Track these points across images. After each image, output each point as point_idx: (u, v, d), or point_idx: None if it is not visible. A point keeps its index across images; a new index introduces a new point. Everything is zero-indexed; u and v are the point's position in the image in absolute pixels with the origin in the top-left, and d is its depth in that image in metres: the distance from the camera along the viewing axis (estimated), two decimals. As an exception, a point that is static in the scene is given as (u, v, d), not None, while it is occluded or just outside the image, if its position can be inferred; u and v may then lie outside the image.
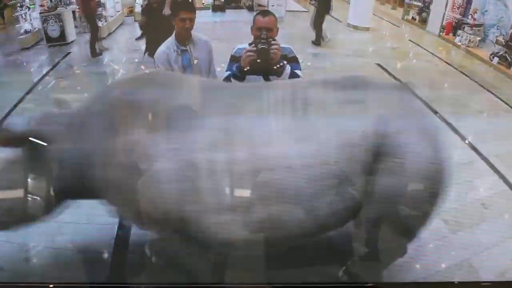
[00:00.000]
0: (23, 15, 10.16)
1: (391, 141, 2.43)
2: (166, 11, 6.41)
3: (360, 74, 2.98)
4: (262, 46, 3.09)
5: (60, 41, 9.90)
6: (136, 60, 7.95)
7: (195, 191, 2.37)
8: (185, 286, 2.72)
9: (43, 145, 2.48)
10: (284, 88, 2.76)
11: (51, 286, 2.50)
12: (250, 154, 2.37)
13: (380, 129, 2.43)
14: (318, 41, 10.09)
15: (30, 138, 2.50)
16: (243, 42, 3.31)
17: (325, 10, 10.20)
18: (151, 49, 5.98)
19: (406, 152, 2.44)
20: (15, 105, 6.03)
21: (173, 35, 3.74)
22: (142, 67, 7.32)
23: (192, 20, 3.65)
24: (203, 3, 13.45)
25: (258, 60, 3.09)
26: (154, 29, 6.27)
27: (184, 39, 3.72)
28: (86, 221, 3.46)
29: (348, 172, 2.41)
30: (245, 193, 2.39)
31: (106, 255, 3.36)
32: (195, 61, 3.73)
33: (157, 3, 6.23)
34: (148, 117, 2.48)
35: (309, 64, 7.97)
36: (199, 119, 2.46)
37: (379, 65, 8.52)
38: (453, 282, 3.18)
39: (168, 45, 3.73)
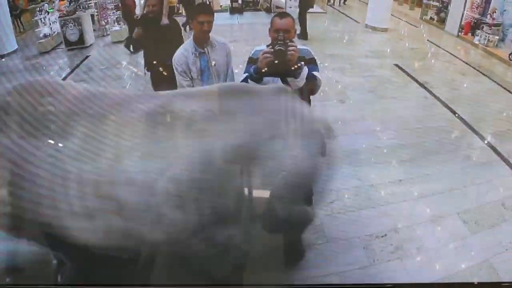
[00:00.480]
0: (42, 19, 10.30)
1: (261, 151, 2.44)
2: (164, 21, 6.31)
3: (239, 83, 2.94)
4: (279, 48, 3.07)
5: (78, 44, 9.99)
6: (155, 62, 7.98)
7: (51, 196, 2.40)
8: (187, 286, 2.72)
9: None
10: (155, 100, 2.71)
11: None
12: (95, 166, 2.40)
13: (251, 139, 2.44)
14: (304, 35, 10.26)
15: None
16: (261, 44, 3.33)
17: (307, 5, 10.70)
18: (149, 62, 5.84)
19: (278, 160, 2.45)
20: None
21: (191, 37, 3.78)
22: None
23: (210, 23, 3.68)
24: (221, 6, 13.49)
25: (275, 62, 3.09)
26: (151, 41, 6.13)
27: (202, 41, 3.75)
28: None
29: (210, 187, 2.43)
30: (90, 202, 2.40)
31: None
32: (213, 63, 3.76)
33: (153, 13, 6.07)
34: (18, 123, 2.50)
35: (326, 65, 7.96)
36: (63, 128, 2.49)
37: (397, 65, 8.50)
38: (473, 283, 3.17)
39: (186, 48, 3.77)
